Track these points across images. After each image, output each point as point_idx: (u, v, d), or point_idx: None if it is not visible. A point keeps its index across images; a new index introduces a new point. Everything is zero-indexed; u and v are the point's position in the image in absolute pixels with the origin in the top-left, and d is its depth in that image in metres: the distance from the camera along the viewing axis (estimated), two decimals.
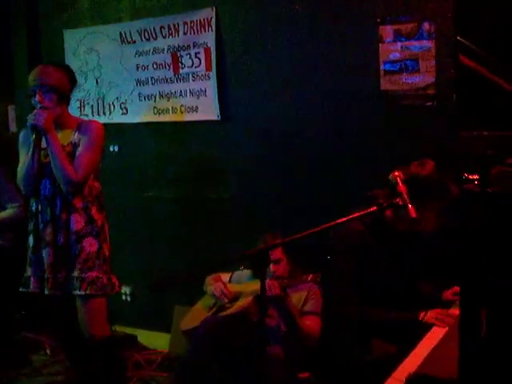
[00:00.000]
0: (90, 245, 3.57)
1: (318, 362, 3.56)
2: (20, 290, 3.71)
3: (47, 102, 3.49)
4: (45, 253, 3.57)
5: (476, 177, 1.81)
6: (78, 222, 3.56)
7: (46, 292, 3.58)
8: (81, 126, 3.62)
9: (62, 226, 3.55)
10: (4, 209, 4.91)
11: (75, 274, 3.54)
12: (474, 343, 1.85)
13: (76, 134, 3.59)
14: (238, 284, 4.20)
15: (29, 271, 3.67)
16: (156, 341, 5.19)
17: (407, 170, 3.07)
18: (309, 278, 3.80)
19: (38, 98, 3.49)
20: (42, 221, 3.60)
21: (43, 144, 3.48)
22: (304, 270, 4.05)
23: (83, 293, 3.53)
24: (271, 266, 4.01)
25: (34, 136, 3.43)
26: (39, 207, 3.61)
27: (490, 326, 1.80)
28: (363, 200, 2.93)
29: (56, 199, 3.56)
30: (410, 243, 3.25)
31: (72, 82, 3.68)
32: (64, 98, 3.61)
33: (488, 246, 1.81)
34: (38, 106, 3.48)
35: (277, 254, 4.04)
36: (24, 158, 3.57)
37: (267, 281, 3.79)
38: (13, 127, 6.00)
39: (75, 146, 3.56)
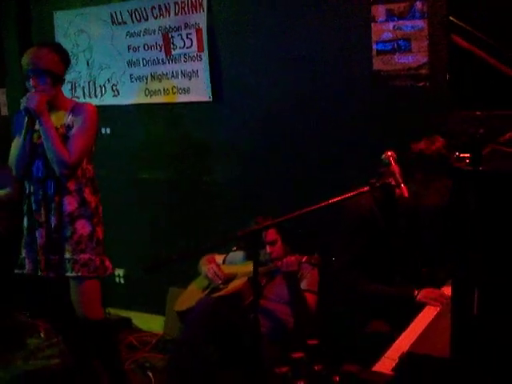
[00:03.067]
0: (82, 227, 3.57)
1: (312, 342, 3.57)
2: (15, 271, 3.71)
3: (41, 85, 3.49)
4: (37, 234, 3.58)
5: (468, 155, 1.80)
6: (70, 204, 3.55)
7: (40, 273, 3.59)
8: (75, 109, 3.61)
9: (55, 208, 3.55)
10: None
11: (67, 255, 3.55)
12: (465, 321, 1.85)
13: (70, 117, 3.58)
14: (231, 265, 4.21)
15: (23, 253, 3.69)
16: (150, 323, 5.20)
17: (416, 145, 3.08)
18: (303, 260, 3.81)
19: (32, 82, 3.48)
20: (34, 202, 3.59)
21: (36, 126, 3.47)
22: (297, 252, 4.06)
23: (75, 274, 3.54)
24: (267, 247, 4.01)
25: (26, 119, 3.42)
26: (31, 189, 3.60)
27: (481, 305, 1.80)
28: (374, 176, 2.90)
29: (48, 181, 3.55)
30: (413, 219, 3.24)
31: (65, 62, 3.66)
32: (58, 80, 3.59)
33: (479, 224, 1.81)
34: (33, 89, 3.47)
35: (271, 235, 4.05)
36: (17, 141, 3.55)
37: (286, 257, 3.83)
38: (4, 111, 5.96)
39: (68, 128, 3.55)
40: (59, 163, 3.47)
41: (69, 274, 3.55)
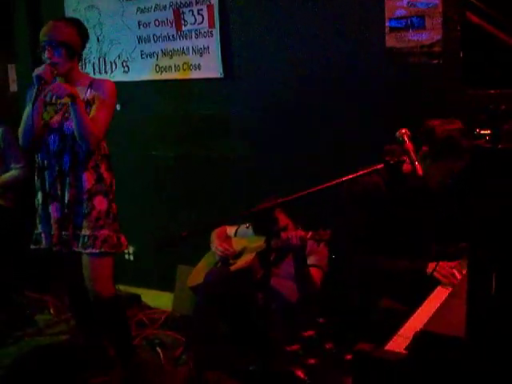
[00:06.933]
0: (99, 203, 3.56)
1: (322, 319, 3.58)
2: (31, 247, 3.70)
3: (56, 57, 3.46)
4: (52, 208, 3.57)
5: (488, 132, 1.77)
6: (88, 181, 3.53)
7: (54, 248, 3.58)
8: (93, 84, 3.58)
9: (71, 184, 3.52)
10: (8, 170, 4.88)
11: (87, 232, 3.53)
12: (482, 301, 1.83)
13: (89, 92, 3.55)
14: (242, 238, 4.19)
15: (39, 228, 3.67)
16: (159, 300, 5.21)
17: (430, 122, 3.07)
18: (308, 236, 3.78)
19: (47, 53, 3.45)
20: (49, 176, 3.57)
21: (47, 100, 3.46)
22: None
23: (97, 251, 3.53)
24: (282, 234, 3.97)
25: (36, 87, 3.37)
26: (45, 163, 3.58)
27: (500, 284, 1.78)
28: (380, 154, 2.88)
29: (64, 155, 3.53)
30: (419, 199, 3.22)
31: (83, 37, 3.64)
32: (74, 54, 3.56)
33: (498, 202, 1.78)
34: (48, 61, 3.44)
35: (282, 220, 4.03)
36: (27, 111, 3.51)
37: (289, 232, 3.82)
38: (13, 87, 5.95)
39: (88, 103, 3.52)
40: (89, 137, 3.42)
41: (90, 250, 3.53)
